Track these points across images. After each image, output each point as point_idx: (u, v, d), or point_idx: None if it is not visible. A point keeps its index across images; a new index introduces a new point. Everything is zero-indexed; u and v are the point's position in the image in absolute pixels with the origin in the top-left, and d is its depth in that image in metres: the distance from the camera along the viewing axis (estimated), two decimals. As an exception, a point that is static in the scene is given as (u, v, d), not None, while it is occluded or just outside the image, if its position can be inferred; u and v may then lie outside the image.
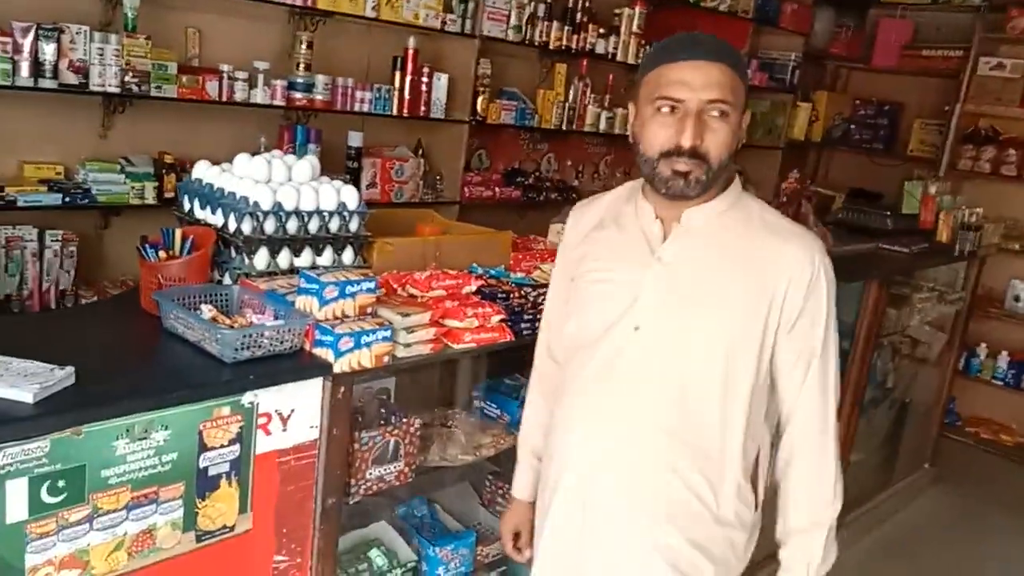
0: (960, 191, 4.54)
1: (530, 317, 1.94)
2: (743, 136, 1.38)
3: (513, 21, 3.71)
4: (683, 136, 1.31)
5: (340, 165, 3.41)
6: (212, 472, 1.46)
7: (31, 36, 2.55)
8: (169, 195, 2.88)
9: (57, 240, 2.75)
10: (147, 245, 1.74)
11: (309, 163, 1.97)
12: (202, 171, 1.96)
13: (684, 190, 1.34)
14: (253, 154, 1.96)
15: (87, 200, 2.75)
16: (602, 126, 4.25)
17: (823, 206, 4.69)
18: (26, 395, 1.24)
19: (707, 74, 1.30)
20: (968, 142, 5.03)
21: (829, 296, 1.41)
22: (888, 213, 3.85)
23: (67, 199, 2.70)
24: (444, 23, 3.47)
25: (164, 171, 2.90)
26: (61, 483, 1.26)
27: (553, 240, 2.54)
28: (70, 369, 1.33)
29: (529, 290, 2.03)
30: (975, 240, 3.71)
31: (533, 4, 3.78)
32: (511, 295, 1.97)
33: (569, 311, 1.52)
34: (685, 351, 1.37)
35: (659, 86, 1.33)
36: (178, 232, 1.78)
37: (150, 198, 2.87)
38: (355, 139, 3.41)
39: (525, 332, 1.92)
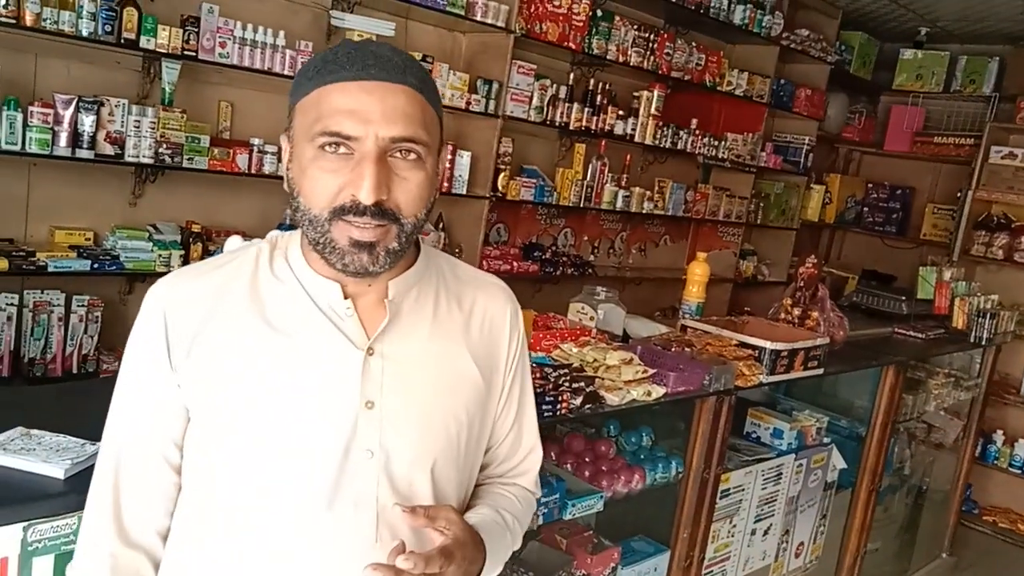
0: (973, 277, 4.56)
1: (551, 398, 1.95)
2: (439, 185, 1.05)
3: (535, 102, 3.81)
4: (361, 187, 0.93)
5: (362, 237, 3.46)
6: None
7: (72, 108, 2.64)
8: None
9: (83, 305, 2.79)
10: (178, 319, 1.76)
11: (338, 241, 2.01)
12: (233, 246, 1.99)
13: (369, 267, 0.98)
14: (279, 225, 2.01)
15: (115, 267, 2.80)
16: (619, 204, 4.32)
17: (836, 287, 4.73)
18: (57, 471, 1.26)
19: (388, 101, 0.94)
20: (981, 228, 5.08)
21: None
22: (903, 298, 3.87)
23: (96, 265, 2.75)
24: (469, 103, 3.57)
25: (191, 240, 2.96)
26: (86, 561, 1.26)
27: (573, 319, 2.57)
28: (100, 444, 1.34)
29: (550, 370, 2.04)
30: (991, 327, 3.71)
31: (555, 87, 3.89)
32: (532, 375, 1.97)
33: (218, 454, 1.02)
34: (431, 463, 1.06)
35: (320, 116, 0.95)
36: (208, 306, 1.81)
37: (176, 266, 2.92)
38: (378, 212, 3.48)
39: (546, 414, 1.92)
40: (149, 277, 2.96)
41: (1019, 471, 4.84)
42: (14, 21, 2.49)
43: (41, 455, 1.28)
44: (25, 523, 1.18)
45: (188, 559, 1.05)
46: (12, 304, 2.67)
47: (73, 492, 1.24)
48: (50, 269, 2.65)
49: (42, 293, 2.72)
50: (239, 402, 1.00)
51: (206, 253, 2.92)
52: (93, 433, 1.36)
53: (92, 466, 1.30)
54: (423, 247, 1.11)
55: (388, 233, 0.97)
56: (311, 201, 0.97)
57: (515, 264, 4.02)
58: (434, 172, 1.00)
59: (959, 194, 5.19)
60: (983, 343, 3.74)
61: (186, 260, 2.93)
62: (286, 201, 1.05)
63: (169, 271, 2.89)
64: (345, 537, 1.01)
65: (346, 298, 1.03)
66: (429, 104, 0.99)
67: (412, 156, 0.96)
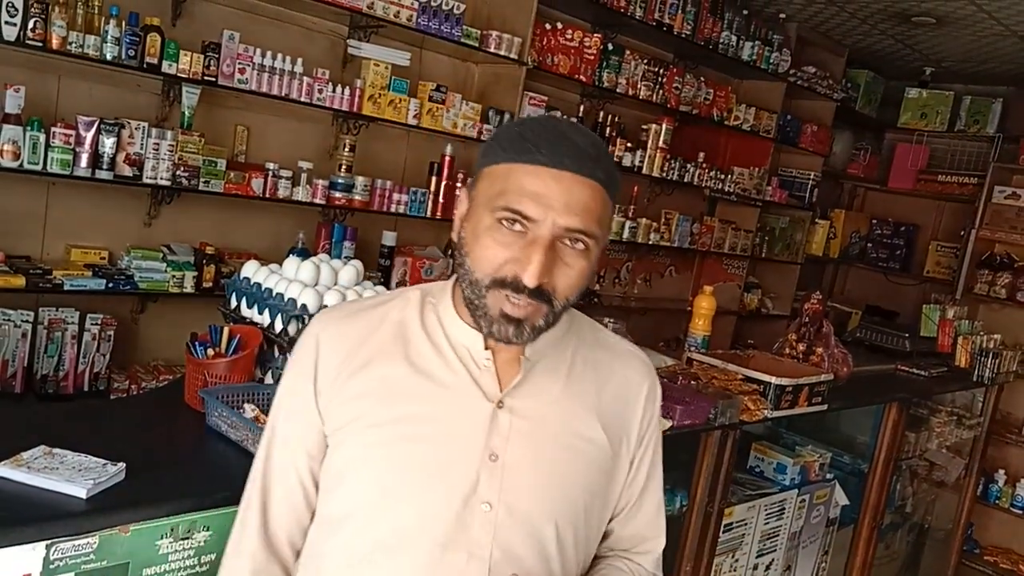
0: (976, 315, 4.59)
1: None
2: (596, 270, 1.08)
3: (546, 133, 3.86)
4: (527, 270, 0.97)
5: (373, 262, 3.50)
6: (246, 574, 1.47)
7: (93, 130, 2.69)
8: (207, 285, 2.96)
9: (97, 324, 2.82)
10: (196, 342, 1.80)
11: (354, 268, 2.05)
12: (251, 271, 2.04)
13: (513, 339, 1.01)
14: (291, 249, 2.04)
15: (129, 286, 2.83)
16: (625, 234, 4.36)
17: (839, 322, 4.76)
18: (80, 490, 1.28)
19: (572, 193, 0.98)
20: (984, 267, 5.12)
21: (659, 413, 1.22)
22: (907, 335, 3.90)
23: (110, 285, 2.78)
24: (480, 133, 3.62)
25: (204, 261, 2.99)
26: (105, 580, 1.29)
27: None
28: (121, 465, 1.37)
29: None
30: (993, 366, 3.74)
31: (564, 118, 3.95)
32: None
33: (345, 484, 1.07)
34: (550, 523, 1.06)
35: (506, 192, 0.98)
36: (225, 330, 1.85)
37: (189, 287, 2.95)
38: (389, 239, 3.52)
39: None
40: (162, 297, 2.99)
41: (1021, 511, 4.83)
42: (41, 44, 2.54)
43: (64, 474, 1.30)
44: (48, 541, 1.21)
45: None
46: (27, 321, 2.69)
47: (95, 512, 1.27)
48: (66, 287, 2.68)
49: (57, 311, 2.75)
50: (369, 435, 1.04)
51: (219, 275, 2.96)
52: (114, 453, 1.40)
53: (113, 487, 1.34)
54: (569, 309, 1.12)
55: (538, 312, 1.01)
56: (477, 266, 1.01)
57: (522, 292, 4.05)
58: (596, 262, 1.04)
59: (962, 232, 5.24)
60: (985, 382, 3.76)
61: (199, 281, 2.97)
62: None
63: (182, 292, 2.95)
64: None
65: (487, 349, 1.07)
66: (609, 198, 1.03)
67: (580, 246, 1.00)
